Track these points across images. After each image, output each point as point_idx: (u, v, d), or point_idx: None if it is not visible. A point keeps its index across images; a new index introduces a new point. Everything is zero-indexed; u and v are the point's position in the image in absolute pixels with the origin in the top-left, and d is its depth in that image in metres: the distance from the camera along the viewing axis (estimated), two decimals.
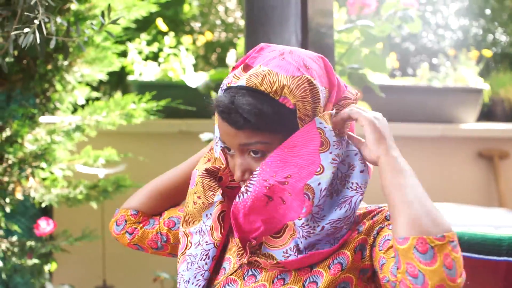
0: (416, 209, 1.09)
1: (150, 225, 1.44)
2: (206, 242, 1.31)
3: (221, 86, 1.27)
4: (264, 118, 1.19)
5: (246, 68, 1.25)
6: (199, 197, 1.34)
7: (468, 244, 1.48)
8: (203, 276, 1.30)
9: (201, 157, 1.41)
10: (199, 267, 1.30)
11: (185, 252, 1.33)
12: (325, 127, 1.20)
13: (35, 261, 2.46)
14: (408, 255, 1.06)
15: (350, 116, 1.23)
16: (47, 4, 1.77)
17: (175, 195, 1.46)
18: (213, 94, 2.66)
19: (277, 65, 1.22)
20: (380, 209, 1.27)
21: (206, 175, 1.33)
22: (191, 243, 1.34)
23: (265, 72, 1.20)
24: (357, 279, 1.21)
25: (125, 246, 1.48)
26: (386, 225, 1.22)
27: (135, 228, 1.45)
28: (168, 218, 1.44)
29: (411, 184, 1.13)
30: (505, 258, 1.41)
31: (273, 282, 1.24)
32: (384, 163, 1.17)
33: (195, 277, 1.30)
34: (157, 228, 1.44)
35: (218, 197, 1.32)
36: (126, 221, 1.45)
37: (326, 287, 1.19)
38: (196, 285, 1.29)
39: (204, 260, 1.30)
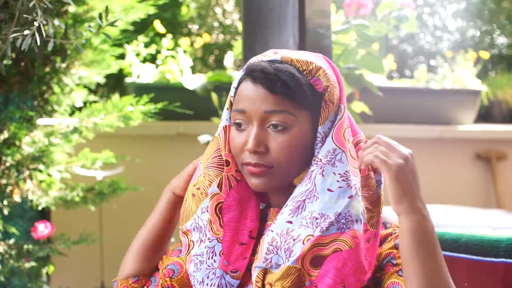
0: (428, 285, 1.10)
1: (153, 284, 1.38)
2: (209, 238, 1.26)
3: (243, 68, 1.26)
4: (301, 87, 1.19)
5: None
6: (198, 189, 1.28)
7: (466, 245, 1.48)
8: (215, 275, 1.25)
9: (165, 202, 1.38)
10: (209, 266, 1.26)
11: (190, 253, 1.29)
12: None
13: (33, 264, 2.45)
14: None
15: (371, 164, 1.16)
16: (45, 6, 1.76)
17: (162, 245, 1.40)
18: (213, 95, 2.65)
19: (310, 55, 1.25)
20: (386, 232, 1.25)
21: (211, 165, 1.28)
22: (192, 242, 1.29)
23: (299, 54, 1.23)
24: None
25: None
26: (395, 270, 1.20)
27: None
28: (165, 269, 1.37)
29: (427, 255, 1.12)
30: (503, 259, 1.41)
31: None
32: (403, 225, 1.13)
33: (207, 277, 1.25)
34: (161, 282, 1.37)
35: (213, 188, 1.26)
36: None
37: None
38: (210, 285, 1.25)
39: (212, 258, 1.26)
